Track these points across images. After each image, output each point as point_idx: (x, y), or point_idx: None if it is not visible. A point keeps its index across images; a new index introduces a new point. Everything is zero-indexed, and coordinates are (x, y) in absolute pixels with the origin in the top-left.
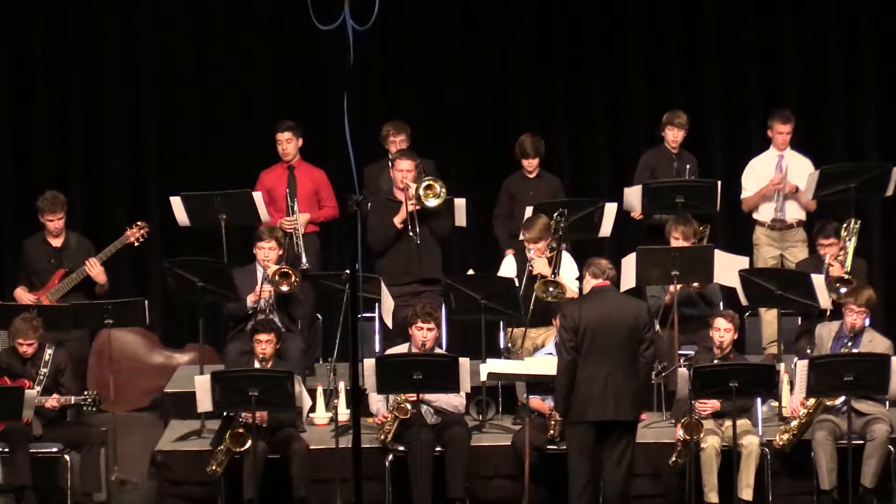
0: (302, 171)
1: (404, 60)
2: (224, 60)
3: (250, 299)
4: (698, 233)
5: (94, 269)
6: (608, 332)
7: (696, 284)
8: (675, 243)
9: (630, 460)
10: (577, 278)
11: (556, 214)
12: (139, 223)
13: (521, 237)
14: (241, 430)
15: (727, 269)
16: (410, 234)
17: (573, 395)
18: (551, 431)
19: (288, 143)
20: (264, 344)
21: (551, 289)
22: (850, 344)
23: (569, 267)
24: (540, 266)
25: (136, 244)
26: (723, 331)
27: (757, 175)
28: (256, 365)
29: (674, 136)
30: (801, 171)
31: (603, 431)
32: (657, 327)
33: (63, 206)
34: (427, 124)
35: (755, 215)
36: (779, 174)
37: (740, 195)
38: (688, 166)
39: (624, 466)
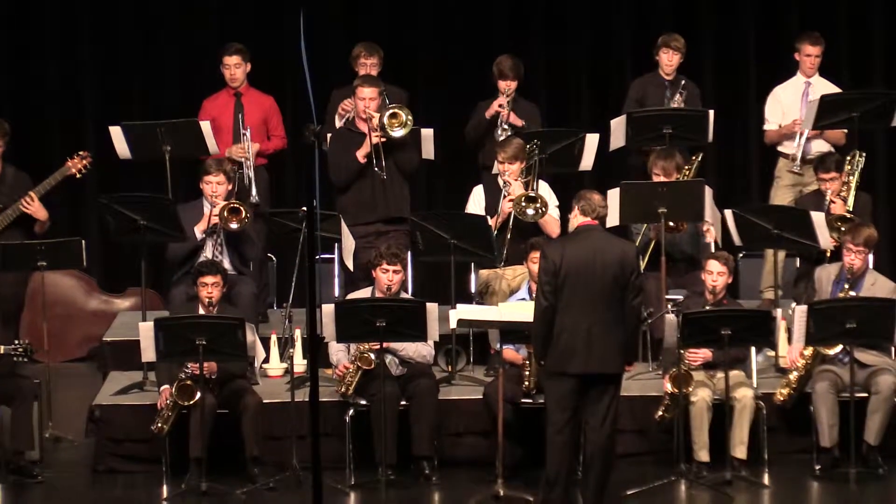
0: (250, 99)
1: None
2: None
3: (199, 229)
4: (682, 168)
5: (32, 204)
6: (592, 277)
7: (671, 224)
8: (655, 180)
9: (614, 415)
10: (557, 206)
11: (528, 146)
12: (81, 153)
13: (496, 159)
14: (188, 382)
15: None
16: (376, 168)
17: (552, 345)
18: (526, 383)
19: (237, 69)
20: (210, 287)
21: (532, 206)
22: (847, 287)
23: (547, 194)
24: (516, 189)
25: (79, 176)
26: (716, 274)
27: (781, 105)
28: (201, 311)
29: (668, 59)
30: None
31: (585, 384)
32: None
33: (5, 134)
34: (391, 46)
35: (779, 147)
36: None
37: (762, 126)
38: (679, 95)
39: (608, 423)
